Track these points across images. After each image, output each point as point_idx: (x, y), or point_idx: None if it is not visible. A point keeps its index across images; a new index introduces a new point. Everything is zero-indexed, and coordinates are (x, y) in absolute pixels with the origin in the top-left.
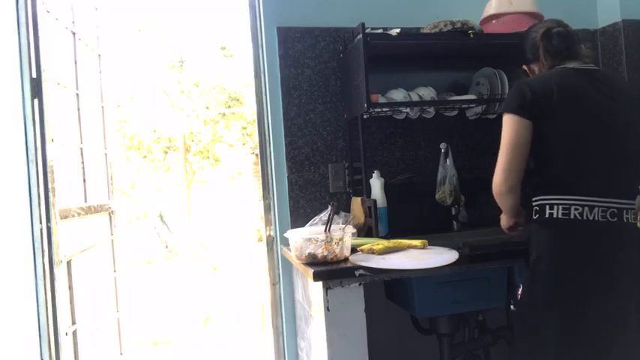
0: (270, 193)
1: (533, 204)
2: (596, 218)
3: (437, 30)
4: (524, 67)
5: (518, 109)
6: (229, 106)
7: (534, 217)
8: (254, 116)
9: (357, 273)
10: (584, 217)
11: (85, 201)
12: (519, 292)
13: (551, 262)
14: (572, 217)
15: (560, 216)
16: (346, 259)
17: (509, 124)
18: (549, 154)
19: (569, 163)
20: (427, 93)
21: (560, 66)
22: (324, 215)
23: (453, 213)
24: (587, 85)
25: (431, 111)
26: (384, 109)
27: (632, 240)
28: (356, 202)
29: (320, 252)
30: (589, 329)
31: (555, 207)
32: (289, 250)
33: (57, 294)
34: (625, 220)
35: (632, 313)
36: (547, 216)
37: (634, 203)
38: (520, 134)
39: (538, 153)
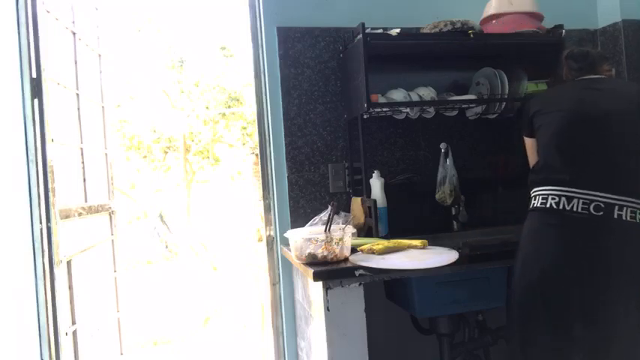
0: (270, 193)
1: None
2: (576, 209)
3: (437, 30)
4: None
5: (524, 131)
6: (229, 106)
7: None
8: (254, 116)
9: (357, 273)
10: (561, 207)
11: (86, 201)
12: None
13: (525, 245)
14: (548, 205)
15: (539, 205)
16: (346, 259)
17: (524, 141)
18: (539, 156)
19: (548, 158)
20: (427, 93)
21: (574, 79)
22: (324, 215)
23: (453, 213)
24: (579, 90)
25: (431, 111)
26: (384, 109)
27: (627, 238)
28: (356, 202)
29: (320, 252)
30: (553, 320)
31: (537, 198)
32: (289, 250)
33: (57, 294)
34: (616, 217)
35: (630, 313)
36: (531, 206)
37: (634, 201)
38: (531, 148)
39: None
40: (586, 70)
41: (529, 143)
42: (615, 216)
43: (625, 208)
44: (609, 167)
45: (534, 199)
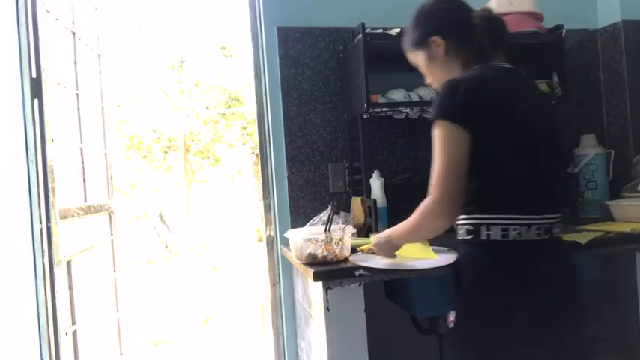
0: (270, 193)
1: (465, 223)
2: (532, 237)
3: None
4: (413, 52)
5: (457, 117)
6: (229, 106)
7: (466, 238)
8: (254, 116)
9: (357, 273)
10: (522, 237)
11: (85, 201)
12: (451, 320)
13: (491, 288)
14: (510, 238)
15: (498, 238)
16: (346, 259)
17: (447, 135)
18: (488, 171)
19: (508, 181)
20: (427, 93)
21: (490, 63)
22: (324, 215)
23: None
24: (519, 92)
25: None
26: (384, 109)
27: (562, 255)
28: (356, 202)
29: (320, 252)
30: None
31: (492, 228)
32: (289, 250)
33: (57, 294)
34: (555, 235)
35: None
36: (484, 238)
37: (559, 216)
38: (460, 148)
39: (475, 168)
40: (496, 45)
41: (458, 137)
42: (554, 234)
43: (558, 225)
44: (551, 187)
45: (487, 229)
